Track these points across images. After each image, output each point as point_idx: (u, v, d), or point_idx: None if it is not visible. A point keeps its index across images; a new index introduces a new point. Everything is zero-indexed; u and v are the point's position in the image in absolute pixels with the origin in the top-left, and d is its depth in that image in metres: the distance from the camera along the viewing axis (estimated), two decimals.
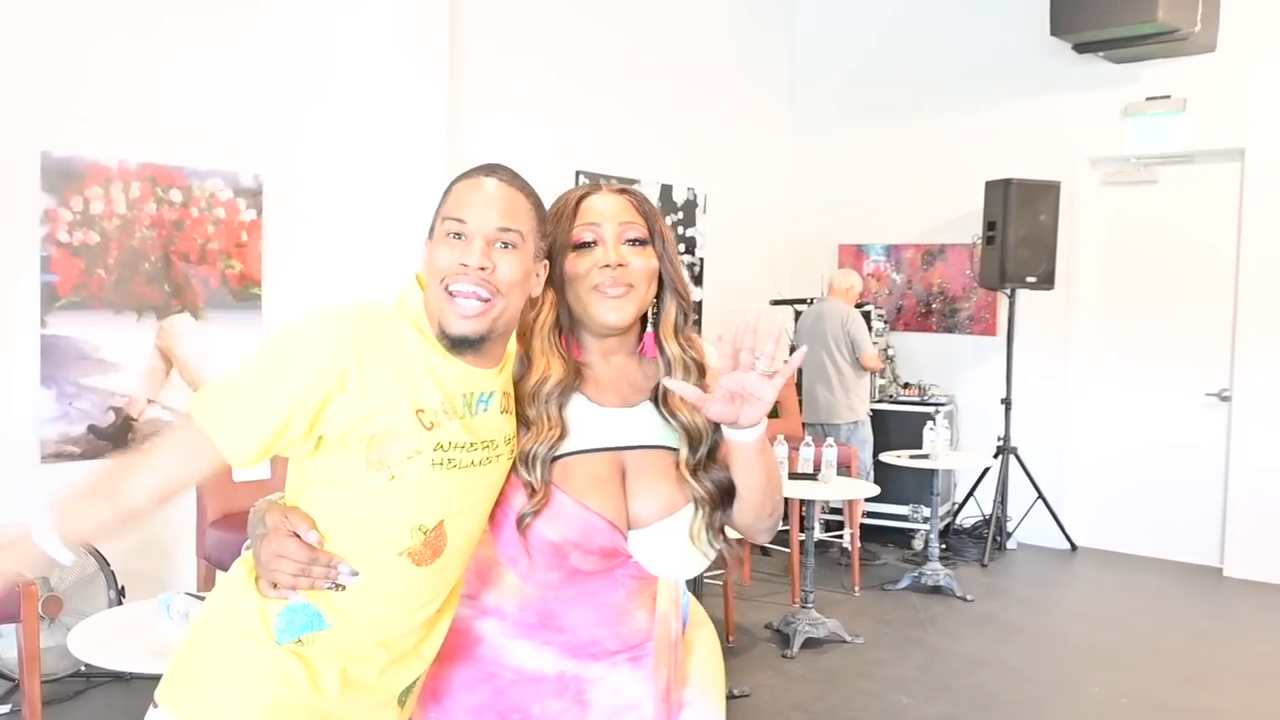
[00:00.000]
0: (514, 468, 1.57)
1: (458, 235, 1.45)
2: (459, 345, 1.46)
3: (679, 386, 1.55)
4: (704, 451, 1.62)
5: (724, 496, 1.61)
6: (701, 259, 7.00)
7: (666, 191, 6.70)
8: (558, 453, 1.57)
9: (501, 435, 1.54)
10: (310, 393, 1.38)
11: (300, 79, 4.64)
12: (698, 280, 6.99)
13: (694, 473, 1.61)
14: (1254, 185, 6.02)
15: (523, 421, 1.58)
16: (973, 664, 4.59)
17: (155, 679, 1.55)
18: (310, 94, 4.67)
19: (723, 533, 1.63)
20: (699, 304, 7.00)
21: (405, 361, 1.43)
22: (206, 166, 4.38)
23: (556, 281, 1.61)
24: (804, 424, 6.41)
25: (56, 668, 3.76)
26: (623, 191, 1.67)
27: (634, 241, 1.62)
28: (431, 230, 1.50)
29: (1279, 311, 5.93)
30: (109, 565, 3.92)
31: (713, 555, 1.64)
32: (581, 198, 1.64)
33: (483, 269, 1.43)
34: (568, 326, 1.64)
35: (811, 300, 6.75)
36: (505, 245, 1.46)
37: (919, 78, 7.18)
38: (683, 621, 1.69)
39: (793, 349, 6.46)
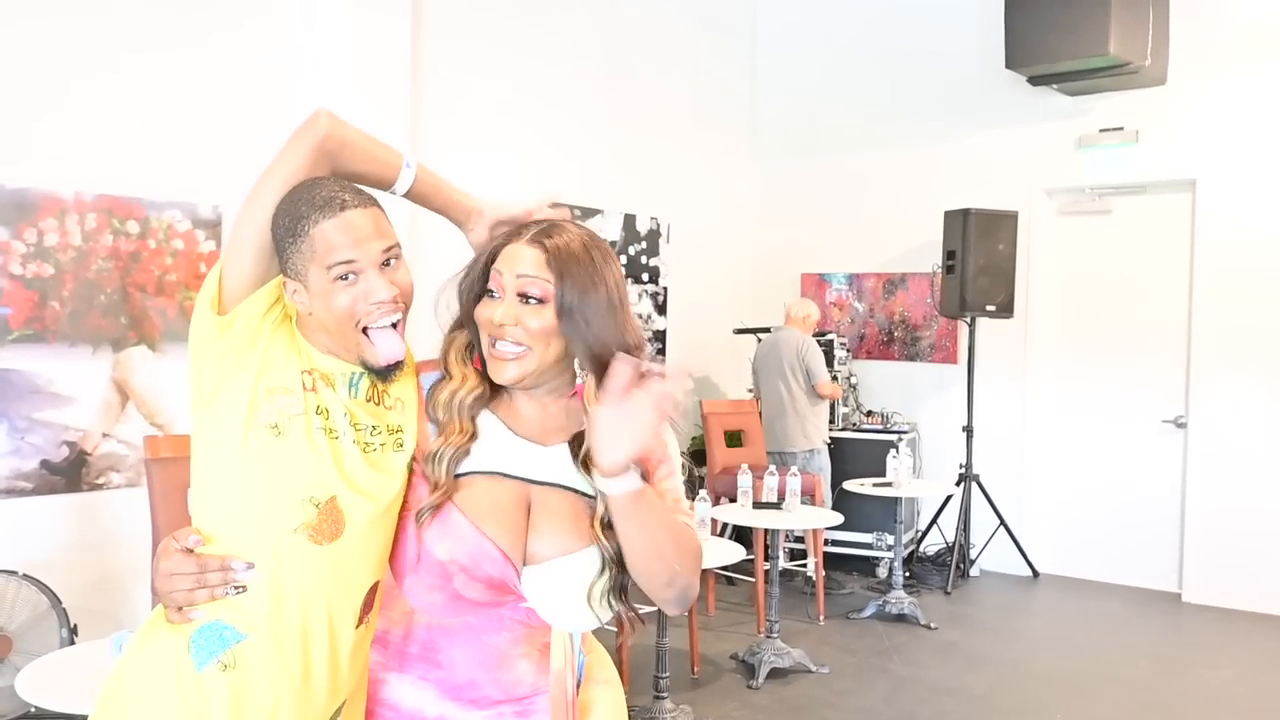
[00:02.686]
0: (411, 477, 1.56)
1: (347, 276, 1.46)
2: (383, 373, 1.52)
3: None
4: None
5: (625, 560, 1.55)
6: (665, 288, 7.02)
7: (630, 221, 6.72)
8: (464, 464, 1.55)
9: (384, 424, 1.55)
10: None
11: (259, 109, 4.62)
12: (661, 309, 7.00)
13: (605, 529, 1.53)
14: (1205, 215, 6.13)
15: (435, 424, 1.59)
16: (938, 693, 4.59)
17: None
18: (269, 124, 4.65)
19: (624, 594, 1.56)
20: (662, 332, 7.01)
21: (292, 336, 1.50)
22: (164, 198, 4.33)
23: (468, 318, 1.61)
24: (767, 452, 6.42)
25: (4, 710, 3.66)
26: (537, 243, 1.55)
27: (529, 299, 1.53)
28: (300, 277, 1.47)
29: (1231, 339, 6.03)
30: (61, 603, 3.83)
31: (607, 616, 1.57)
32: (500, 246, 1.58)
33: (395, 297, 1.48)
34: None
35: (772, 329, 6.78)
36: (389, 262, 1.51)
37: (878, 109, 7.27)
38: (577, 680, 1.62)
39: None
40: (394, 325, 1.50)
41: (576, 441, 1.58)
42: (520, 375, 1.55)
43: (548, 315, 1.53)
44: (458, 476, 1.55)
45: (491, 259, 1.58)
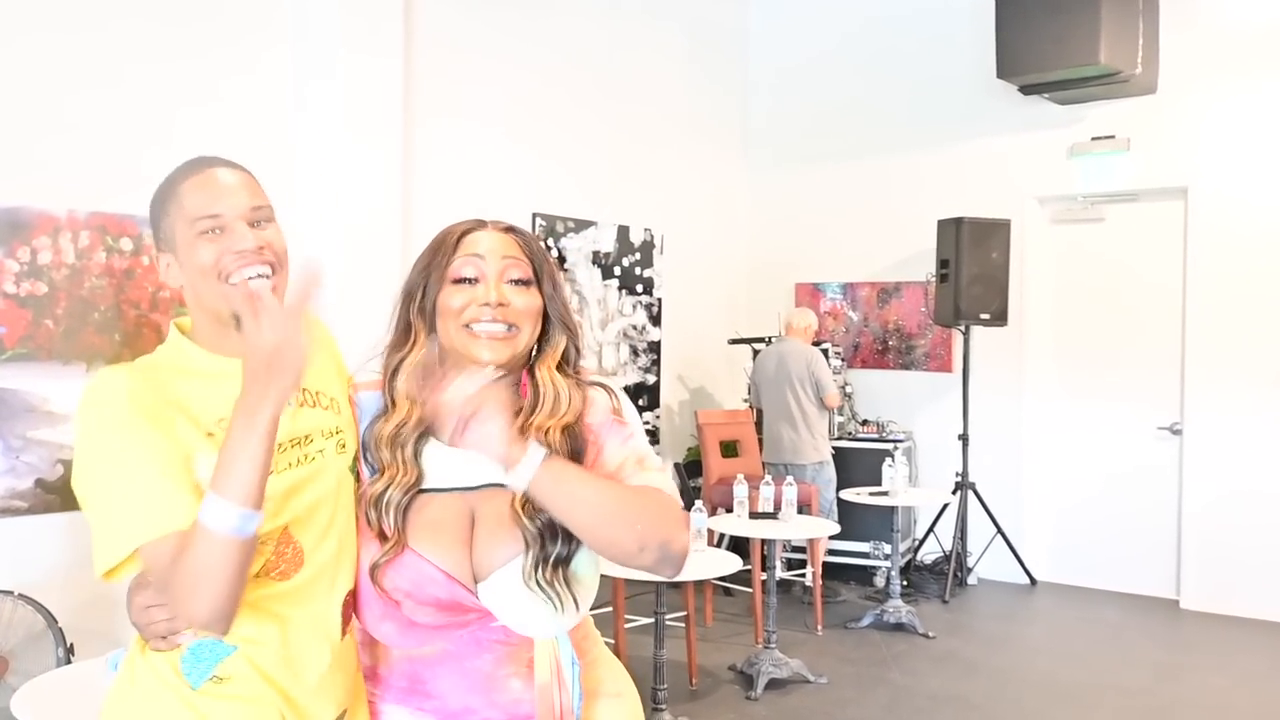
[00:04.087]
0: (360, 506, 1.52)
1: (215, 230, 1.43)
2: None
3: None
4: None
5: (554, 533, 1.48)
6: (659, 299, 7.03)
7: (624, 232, 6.73)
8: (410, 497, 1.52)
9: (317, 429, 1.50)
10: (158, 441, 1.34)
11: (252, 125, 4.62)
12: (656, 320, 7.01)
13: (524, 507, 1.48)
14: (1197, 222, 6.15)
15: (377, 466, 1.53)
16: (936, 702, 4.58)
17: None
18: (263, 141, 4.65)
19: (556, 574, 1.48)
20: (657, 343, 7.01)
21: (179, 393, 1.41)
22: None
23: (428, 316, 1.55)
24: (764, 463, 6.41)
25: None
26: (509, 230, 1.60)
27: (517, 281, 1.55)
28: (168, 243, 1.46)
29: (1225, 346, 6.04)
30: (57, 622, 3.81)
31: (567, 602, 1.50)
32: (465, 232, 1.57)
33: (260, 248, 1.43)
34: (436, 363, 1.57)
35: (769, 339, 6.79)
36: (259, 223, 1.46)
37: (871, 119, 7.29)
38: (576, 696, 1.53)
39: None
40: (268, 279, 1.43)
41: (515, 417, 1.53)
42: (510, 355, 1.53)
43: (534, 296, 1.56)
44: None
45: (449, 251, 1.55)
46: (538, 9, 6.09)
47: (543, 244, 1.63)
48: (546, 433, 1.51)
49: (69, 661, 3.77)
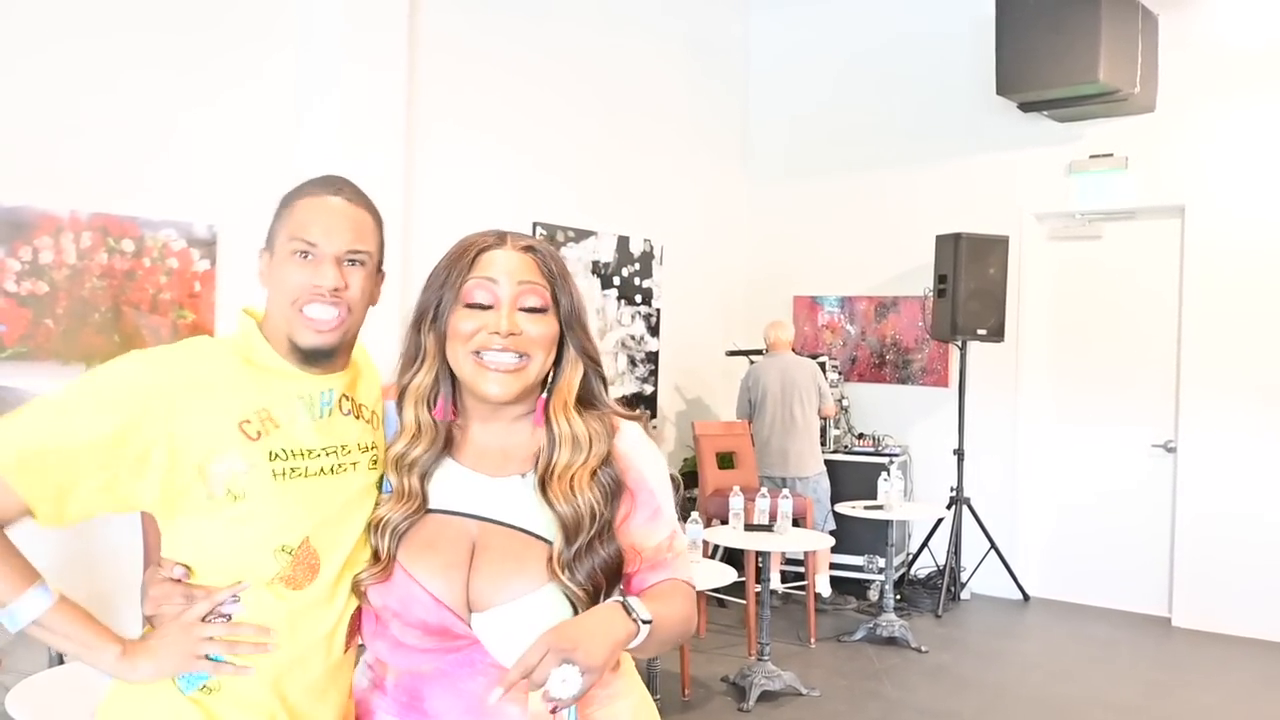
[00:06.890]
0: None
1: (305, 255, 1.46)
2: (311, 358, 1.47)
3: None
4: (583, 542, 1.44)
5: (604, 587, 1.44)
6: (658, 309, 7.04)
7: (624, 243, 6.75)
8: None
9: (355, 441, 1.51)
10: (115, 438, 1.37)
11: (255, 130, 4.64)
12: (654, 331, 7.02)
13: (567, 568, 1.42)
14: (1194, 241, 6.18)
15: (390, 486, 1.51)
16: (927, 716, 4.59)
17: None
18: (266, 144, 4.67)
19: None
20: (655, 354, 7.03)
21: (223, 379, 1.43)
22: (159, 217, 4.35)
23: (439, 336, 1.49)
24: (761, 476, 6.39)
25: None
26: (529, 249, 1.49)
27: (531, 309, 1.46)
28: (270, 243, 1.50)
29: (1220, 364, 6.06)
30: None
31: None
32: (482, 250, 1.48)
33: (337, 290, 1.45)
34: (446, 383, 1.51)
35: (766, 353, 6.79)
36: (354, 263, 1.48)
37: (871, 134, 7.32)
38: None
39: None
40: (336, 317, 1.46)
41: (536, 467, 1.49)
42: (520, 388, 1.46)
43: (550, 323, 1.48)
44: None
45: (464, 270, 1.48)
46: (540, 20, 6.12)
47: (564, 262, 1.53)
48: (573, 480, 1.45)
49: (61, 661, 3.76)
